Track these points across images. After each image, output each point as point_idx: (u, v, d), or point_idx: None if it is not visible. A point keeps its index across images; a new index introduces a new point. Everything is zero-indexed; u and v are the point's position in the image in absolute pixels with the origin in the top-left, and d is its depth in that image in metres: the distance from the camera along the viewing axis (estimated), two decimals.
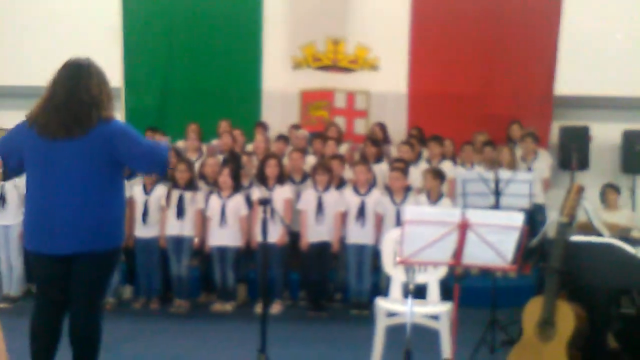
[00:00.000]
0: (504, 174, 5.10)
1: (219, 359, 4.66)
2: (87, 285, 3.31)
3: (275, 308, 6.09)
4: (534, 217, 7.04)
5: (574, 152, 7.83)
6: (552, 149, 8.26)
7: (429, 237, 3.29)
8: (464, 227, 3.25)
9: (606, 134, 8.32)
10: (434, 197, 6.13)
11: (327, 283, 6.27)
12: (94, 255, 3.26)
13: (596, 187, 7.05)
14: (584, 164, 8.08)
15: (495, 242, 3.26)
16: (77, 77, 3.26)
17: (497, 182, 5.03)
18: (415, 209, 3.61)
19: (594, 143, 8.26)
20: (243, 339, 5.02)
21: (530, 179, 5.10)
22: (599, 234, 4.13)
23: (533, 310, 3.66)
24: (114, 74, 8.35)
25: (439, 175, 6.18)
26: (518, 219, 3.25)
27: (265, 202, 4.32)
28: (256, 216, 6.00)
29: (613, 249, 3.83)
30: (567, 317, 3.52)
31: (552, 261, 3.66)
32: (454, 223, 3.25)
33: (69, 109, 3.22)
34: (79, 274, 3.28)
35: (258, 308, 5.88)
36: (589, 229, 4.35)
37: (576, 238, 3.97)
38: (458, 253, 3.30)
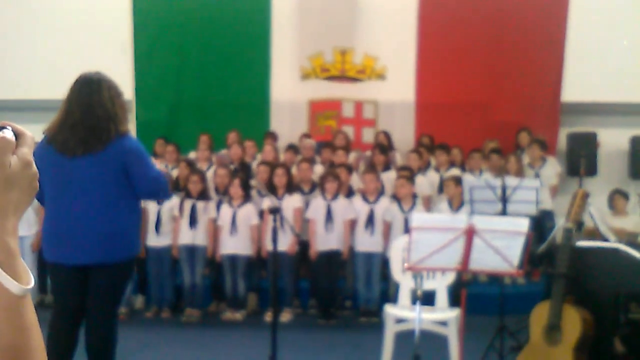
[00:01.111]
0: (511, 180, 5.13)
1: None
2: (103, 295, 3.39)
3: (285, 316, 6.13)
4: (543, 223, 7.07)
5: (582, 158, 7.84)
6: (560, 156, 8.28)
7: (436, 244, 3.34)
8: (470, 233, 3.30)
9: (614, 140, 8.34)
10: (456, 205, 6.16)
11: (337, 291, 6.31)
12: (110, 265, 3.33)
13: (604, 194, 7.06)
14: (592, 171, 8.09)
15: (501, 248, 3.31)
16: (89, 93, 3.31)
17: (504, 189, 5.06)
18: (423, 215, 3.67)
19: (602, 149, 8.28)
20: (253, 347, 5.06)
21: (536, 185, 5.13)
22: (606, 239, 4.15)
23: (540, 314, 3.69)
24: (125, 88, 8.37)
25: (460, 183, 6.22)
26: (523, 225, 3.30)
27: (275, 210, 4.39)
28: (267, 225, 6.07)
29: (619, 253, 3.86)
30: (573, 321, 3.55)
31: (558, 266, 3.69)
32: (460, 229, 3.30)
33: (86, 126, 3.28)
34: (95, 284, 3.35)
35: (268, 316, 5.93)
36: (595, 234, 4.38)
37: (583, 243, 4.00)
38: (465, 259, 3.35)
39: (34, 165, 0.92)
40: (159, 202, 3.42)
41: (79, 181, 3.30)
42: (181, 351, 5.20)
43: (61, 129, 3.32)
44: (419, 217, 3.43)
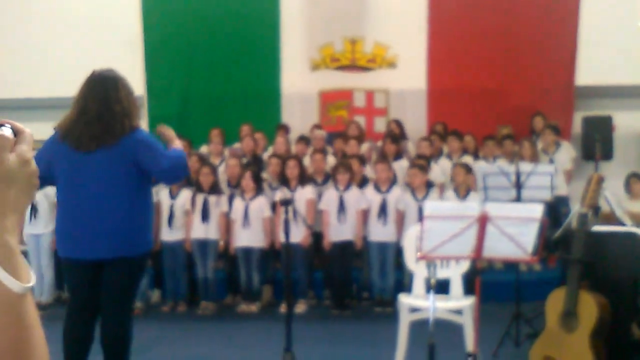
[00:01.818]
0: (525, 166, 5.07)
1: (245, 359, 4.73)
2: (117, 291, 3.38)
3: (300, 307, 6.14)
4: (558, 209, 7.00)
5: (597, 142, 7.74)
6: (575, 140, 8.19)
7: (449, 232, 3.31)
8: (483, 221, 3.26)
9: (630, 123, 8.23)
10: (463, 193, 6.12)
11: (351, 282, 6.29)
12: (124, 260, 3.33)
13: (621, 177, 6.97)
14: (608, 154, 7.99)
15: (515, 235, 3.27)
16: (106, 90, 3.32)
17: (518, 175, 5.01)
18: (435, 204, 3.63)
19: (617, 133, 8.17)
20: (268, 338, 5.07)
21: (551, 170, 5.07)
22: (622, 224, 4.10)
23: (556, 301, 3.65)
24: (136, 83, 8.43)
25: (470, 170, 6.19)
26: (537, 211, 3.26)
27: (286, 202, 4.38)
28: (279, 217, 6.06)
29: (636, 238, 3.80)
30: (589, 307, 3.51)
31: (573, 252, 3.65)
32: (473, 217, 3.27)
33: (102, 122, 3.29)
34: (109, 280, 3.35)
35: (283, 308, 5.93)
36: (612, 219, 4.33)
37: (599, 228, 3.95)
38: (478, 246, 3.31)
39: (33, 162, 0.91)
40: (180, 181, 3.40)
41: (91, 176, 3.30)
42: (197, 343, 5.22)
43: (76, 124, 3.32)
44: (431, 205, 3.40)
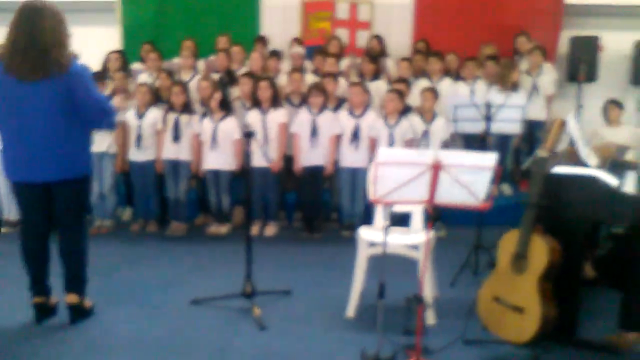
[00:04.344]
0: (496, 98, 4.96)
1: (212, 280, 4.81)
2: (66, 207, 3.77)
3: (270, 230, 6.19)
4: (534, 134, 6.96)
5: (581, 63, 7.59)
6: (560, 61, 8.00)
7: (402, 178, 3.27)
8: (436, 169, 3.22)
9: (617, 44, 8.00)
10: (429, 117, 6.05)
11: (321, 206, 6.29)
12: (68, 182, 3.69)
13: (603, 100, 6.84)
14: (592, 76, 7.85)
15: (467, 183, 3.24)
16: (32, 21, 3.45)
17: (488, 107, 4.91)
18: (388, 150, 3.56)
19: (604, 54, 7.97)
20: (236, 260, 5.10)
21: (522, 104, 4.97)
22: (585, 165, 4.05)
23: (509, 242, 3.67)
24: None
25: (438, 96, 6.08)
26: (490, 160, 3.21)
27: (249, 135, 4.29)
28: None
29: (595, 181, 3.76)
30: (540, 251, 3.53)
31: (530, 195, 3.63)
32: (426, 164, 3.22)
33: (34, 53, 3.44)
34: (58, 198, 3.75)
35: (253, 230, 6.00)
36: (576, 157, 4.26)
37: (558, 170, 3.90)
38: (431, 193, 3.29)
39: None
40: (110, 128, 3.96)
41: (34, 105, 3.51)
42: (165, 264, 5.24)
43: (11, 56, 3.48)
44: (384, 151, 3.33)
